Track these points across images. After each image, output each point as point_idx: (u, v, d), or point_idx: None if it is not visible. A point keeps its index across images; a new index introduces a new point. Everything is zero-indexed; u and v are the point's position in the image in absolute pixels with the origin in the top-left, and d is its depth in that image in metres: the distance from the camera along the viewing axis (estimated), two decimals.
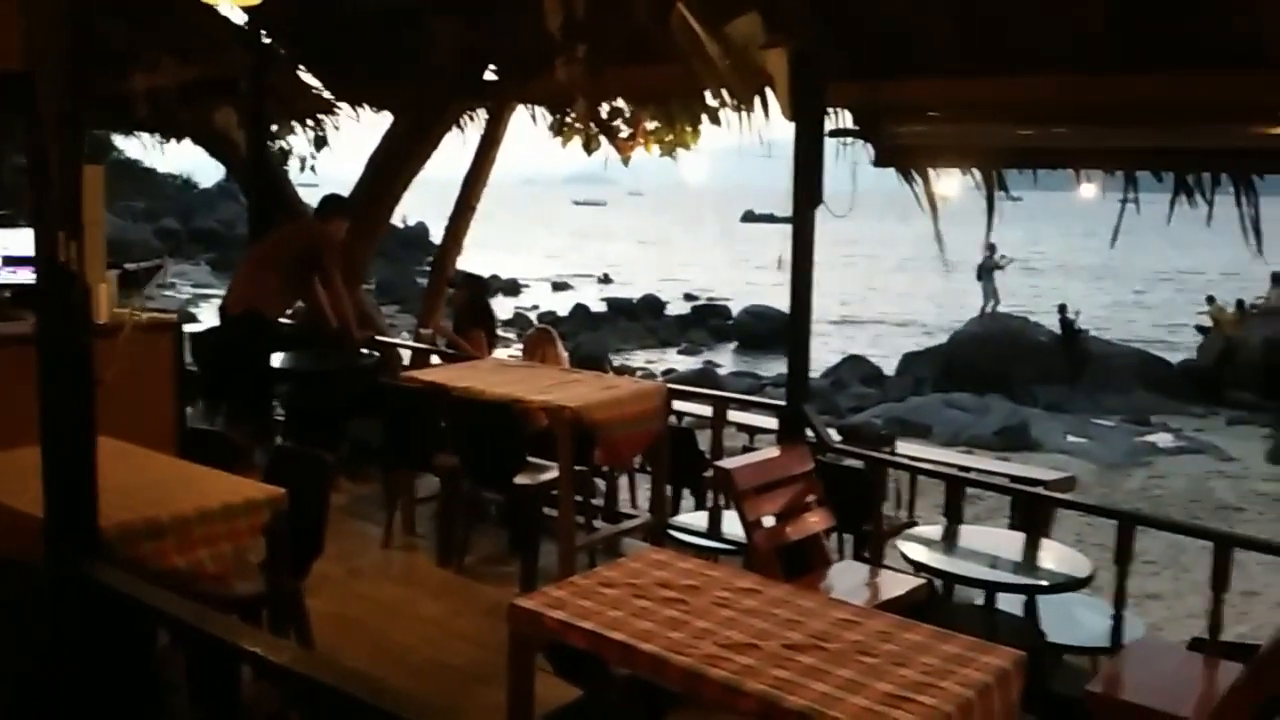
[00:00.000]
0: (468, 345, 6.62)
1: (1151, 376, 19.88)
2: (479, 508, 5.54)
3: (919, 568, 4.09)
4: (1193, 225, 4.97)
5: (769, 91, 5.36)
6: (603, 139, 7.92)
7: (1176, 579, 8.93)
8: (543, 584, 4.97)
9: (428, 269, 11.25)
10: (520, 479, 5.02)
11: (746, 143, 6.48)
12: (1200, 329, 21.50)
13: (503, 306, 27.81)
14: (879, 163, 5.16)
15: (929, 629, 2.97)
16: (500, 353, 7.80)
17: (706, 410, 6.11)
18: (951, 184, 5.36)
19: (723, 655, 2.77)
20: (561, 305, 30.47)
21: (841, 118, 5.12)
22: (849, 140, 5.06)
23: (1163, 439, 16.19)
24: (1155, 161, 4.53)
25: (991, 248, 21.37)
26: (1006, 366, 19.34)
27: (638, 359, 24.25)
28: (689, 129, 7.68)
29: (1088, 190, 5.44)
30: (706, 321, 28.33)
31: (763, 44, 4.98)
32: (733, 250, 46.83)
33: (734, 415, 6.31)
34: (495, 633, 3.58)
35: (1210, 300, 21.07)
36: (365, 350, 7.17)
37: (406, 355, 7.42)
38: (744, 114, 6.11)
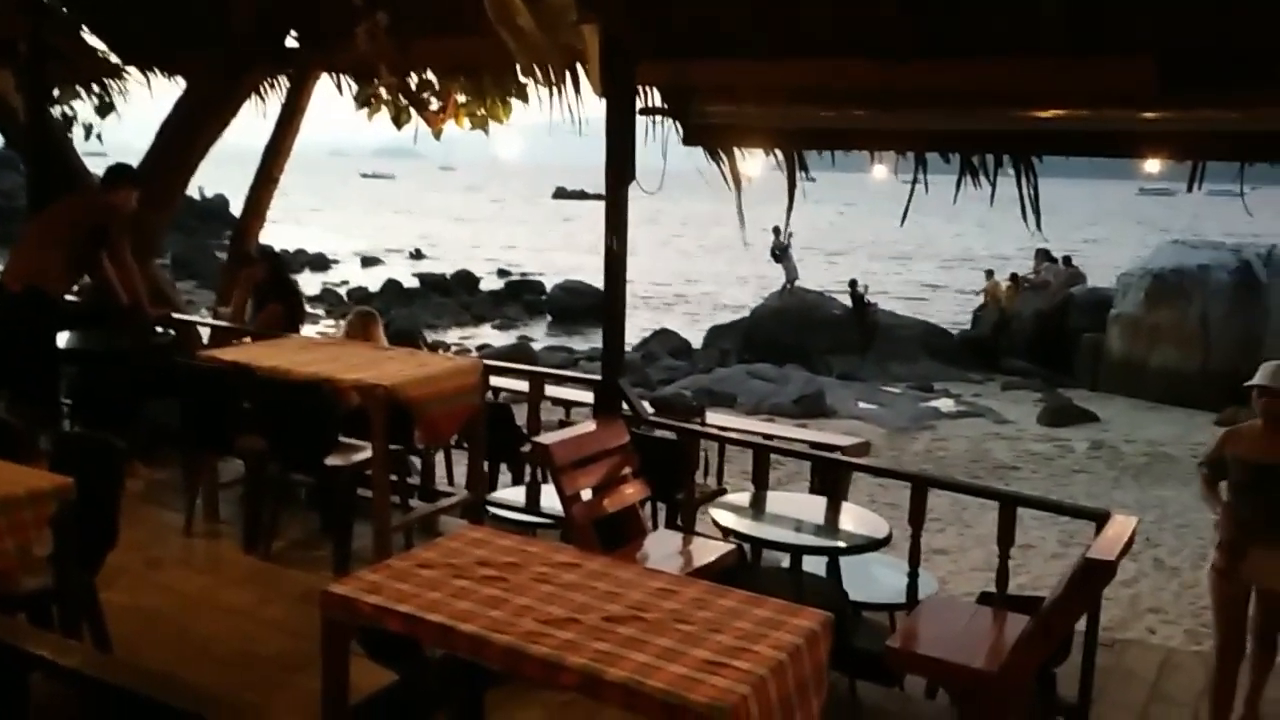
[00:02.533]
0: (263, 323, 6.34)
1: (935, 346, 21.12)
2: (287, 490, 5.35)
3: (729, 533, 4.22)
4: (982, 206, 5.29)
5: (580, 68, 5.37)
6: (413, 112, 7.76)
7: (961, 535, 9.53)
8: (357, 567, 4.87)
9: (227, 243, 10.76)
10: (332, 460, 4.89)
11: (559, 119, 6.48)
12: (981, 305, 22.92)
13: (311, 282, 26.88)
14: (687, 141, 5.25)
15: (741, 594, 3.07)
16: (309, 330, 7.52)
17: (523, 385, 6.11)
18: (756, 164, 5.52)
19: (543, 631, 2.78)
20: (372, 281, 29.70)
21: (652, 96, 5.17)
22: (659, 119, 5.12)
23: (945, 404, 17.20)
24: (943, 144, 4.78)
25: (776, 230, 22.16)
26: (804, 339, 20.16)
27: (452, 335, 23.96)
28: (500, 103, 7.61)
29: (880, 171, 5.70)
30: (520, 297, 28.25)
31: (574, 20, 4.98)
32: (545, 226, 46.70)
33: (550, 390, 6.33)
34: (308, 619, 3.48)
35: (988, 274, 22.44)
36: (160, 329, 6.79)
37: (206, 333, 7.09)
38: (555, 90, 6.11)
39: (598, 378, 5.14)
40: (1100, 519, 3.83)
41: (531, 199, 47.58)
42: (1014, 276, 22.46)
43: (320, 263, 33.84)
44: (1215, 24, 3.75)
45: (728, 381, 17.18)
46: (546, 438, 4.30)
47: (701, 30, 4.82)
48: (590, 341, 23.62)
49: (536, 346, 21.96)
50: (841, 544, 4.19)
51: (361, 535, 4.95)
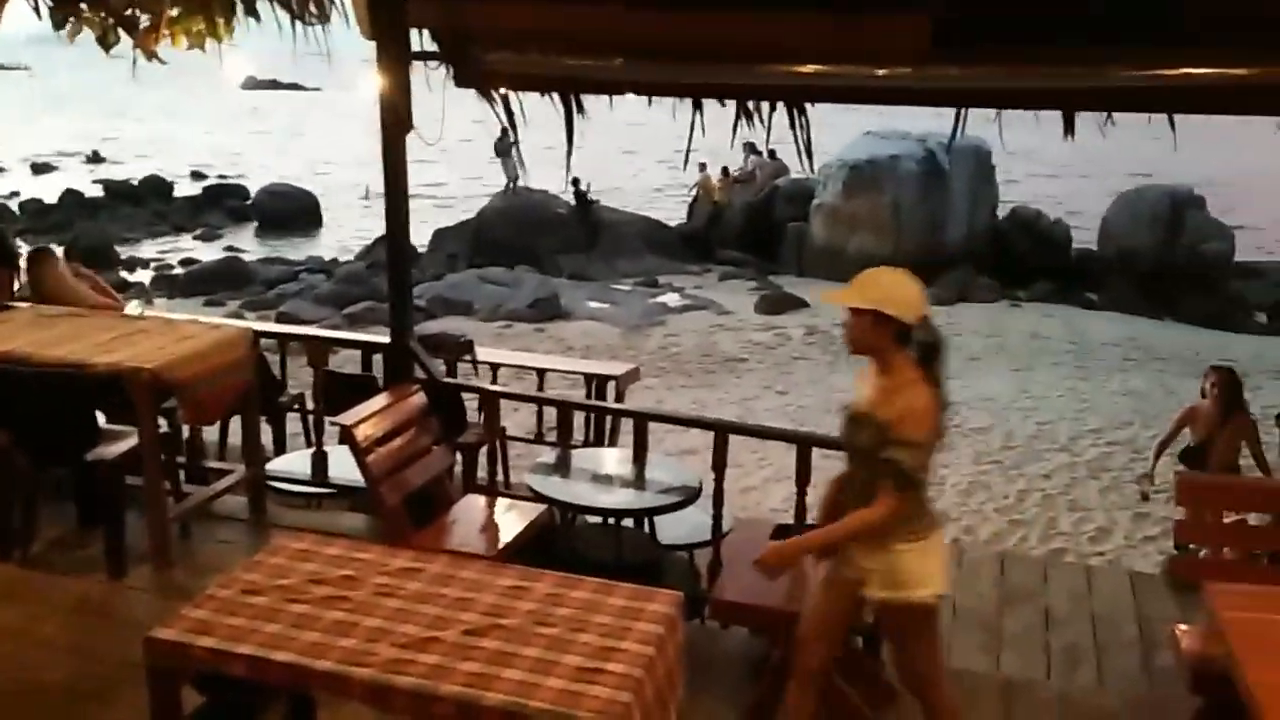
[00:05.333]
0: None
1: (656, 241, 21.74)
2: (36, 485, 4.81)
3: (550, 501, 4.23)
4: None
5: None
6: (121, 32, 6.93)
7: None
8: (133, 565, 4.51)
9: None
10: (92, 453, 4.44)
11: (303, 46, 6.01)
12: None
13: None
14: (459, 83, 5.02)
15: (592, 583, 3.08)
16: None
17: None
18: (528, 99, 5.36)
19: (405, 657, 2.69)
20: (47, 190, 26.64)
21: (422, 40, 4.88)
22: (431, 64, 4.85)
23: (671, 299, 17.81)
24: (720, 93, 4.84)
25: (504, 131, 21.79)
26: (532, 239, 20.16)
27: (148, 249, 22.06)
28: (222, 21, 6.93)
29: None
30: (222, 203, 26.28)
31: None
32: (236, 122, 43.33)
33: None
34: (92, 635, 3.21)
35: (701, 168, 23.09)
36: None
37: None
38: (302, 22, 5.65)
39: (384, 339, 4.91)
40: None
41: (217, 90, 43.85)
42: (724, 170, 23.25)
43: None
44: None
45: (461, 288, 16.95)
46: (345, 417, 4.09)
47: None
48: (304, 249, 22.42)
49: (248, 259, 20.63)
50: (661, 502, 4.28)
51: (131, 527, 4.55)
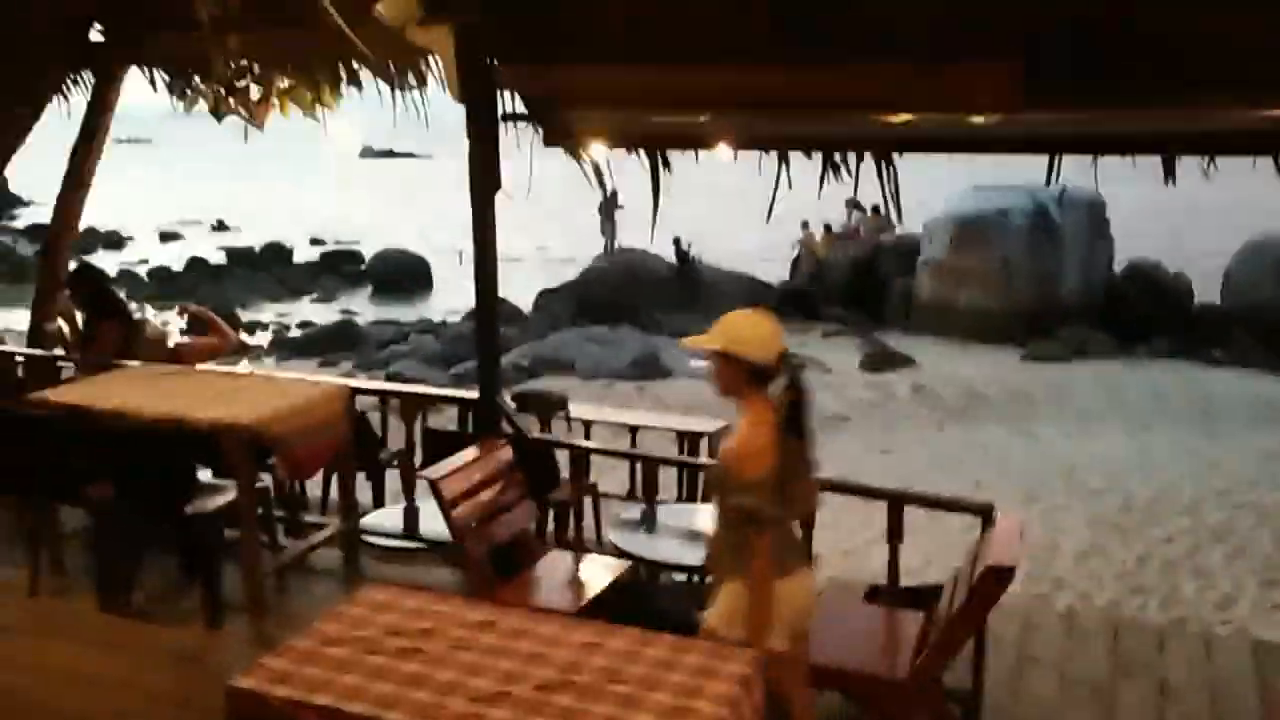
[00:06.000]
0: (102, 345, 5.86)
1: (757, 298, 21.59)
2: (141, 538, 4.97)
3: (630, 557, 4.19)
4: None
5: (433, 65, 5.15)
6: (233, 102, 7.28)
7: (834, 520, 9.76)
8: (232, 617, 4.61)
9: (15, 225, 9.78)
10: (192, 505, 4.57)
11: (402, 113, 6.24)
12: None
13: (107, 262, 25.10)
14: (548, 142, 5.11)
15: (668, 640, 3.03)
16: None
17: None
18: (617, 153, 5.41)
19: (475, 712, 2.68)
20: (174, 258, 27.98)
21: (512, 101, 4.99)
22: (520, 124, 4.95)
23: None
24: (805, 144, 4.82)
25: (614, 193, 22.19)
26: (633, 298, 20.29)
27: (268, 313, 22.90)
28: (330, 88, 7.23)
29: (725, 153, 5.70)
30: (338, 268, 27.20)
31: (421, 20, 4.74)
32: (354, 191, 44.98)
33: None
34: (190, 685, 3.26)
35: (804, 226, 23.04)
36: None
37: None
38: (399, 87, 5.86)
39: (473, 395, 4.97)
40: (985, 513, 3.97)
41: (335, 161, 45.78)
42: (827, 227, 23.14)
43: (114, 240, 31.66)
44: (1071, 33, 3.86)
45: (564, 348, 17.13)
46: (432, 471, 4.14)
47: (562, 32, 4.67)
48: (416, 311, 23.01)
49: (361, 321, 21.25)
50: None
51: (230, 578, 4.66)
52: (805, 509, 3.54)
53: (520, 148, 4.82)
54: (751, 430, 3.11)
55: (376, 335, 19.23)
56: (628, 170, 5.45)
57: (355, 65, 6.59)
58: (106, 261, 26.28)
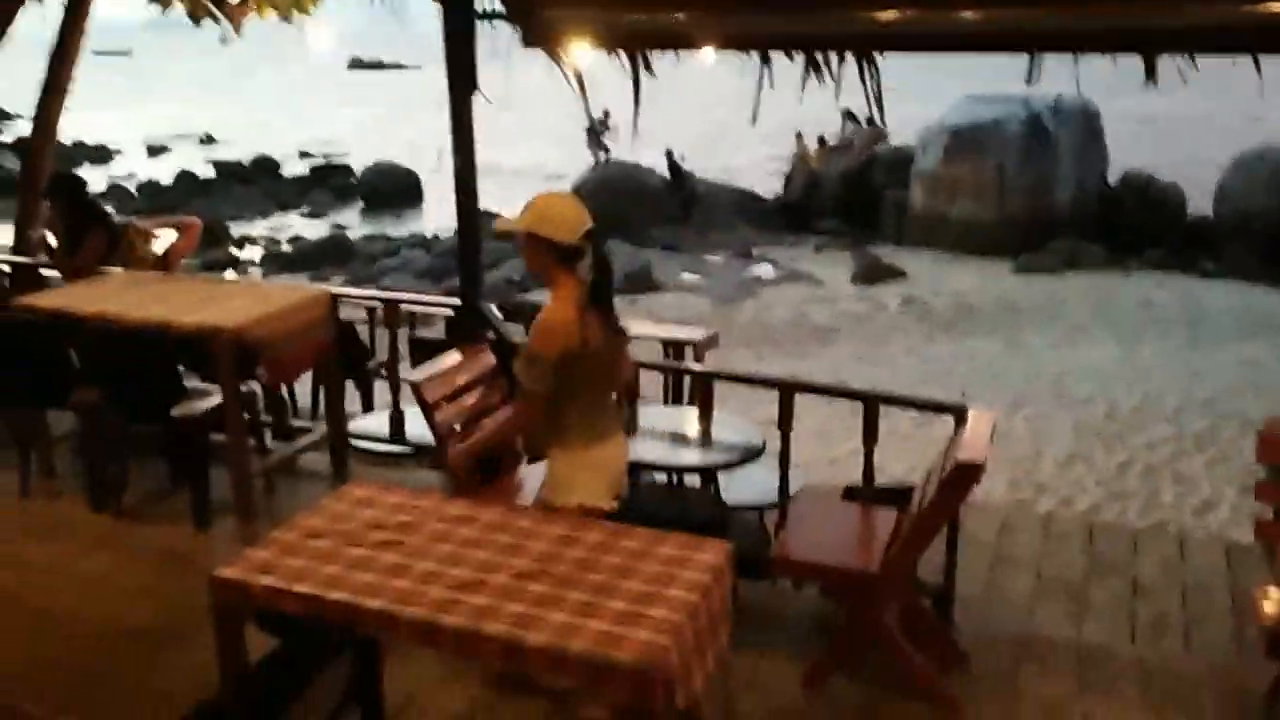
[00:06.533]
0: (86, 257, 5.85)
1: (751, 212, 21.49)
2: (129, 441, 5.04)
3: None
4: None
5: None
6: (209, 3, 7.17)
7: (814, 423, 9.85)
8: (219, 518, 4.69)
9: None
10: (179, 408, 4.62)
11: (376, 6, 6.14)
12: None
13: (95, 177, 24.85)
14: (527, 43, 5.02)
15: (643, 533, 3.09)
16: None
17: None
18: (591, 55, 5.33)
19: (453, 598, 2.75)
20: (162, 172, 27.69)
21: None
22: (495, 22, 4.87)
23: (765, 270, 17.62)
24: (786, 44, 4.75)
25: (606, 113, 21.95)
26: (625, 211, 20.10)
27: (259, 226, 22.73)
28: None
29: (706, 56, 5.61)
30: (328, 181, 26.89)
31: None
32: (344, 103, 44.30)
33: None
34: (177, 583, 3.34)
35: (798, 138, 22.73)
36: None
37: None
38: None
39: (455, 301, 4.98)
40: (958, 413, 4.02)
41: (325, 72, 44.96)
42: (821, 139, 22.88)
43: (102, 155, 31.27)
44: None
45: None
46: (415, 374, 4.17)
47: None
48: (408, 226, 22.85)
49: (352, 235, 21.11)
50: (720, 460, 4.26)
51: (218, 481, 4.73)
52: (620, 382, 3.69)
53: (500, 54, 4.76)
54: (557, 307, 3.26)
55: (367, 250, 19.14)
56: (612, 82, 5.38)
57: None
58: (94, 176, 26.02)
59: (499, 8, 4.78)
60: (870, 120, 21.49)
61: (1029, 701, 3.70)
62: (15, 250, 6.94)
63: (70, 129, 28.92)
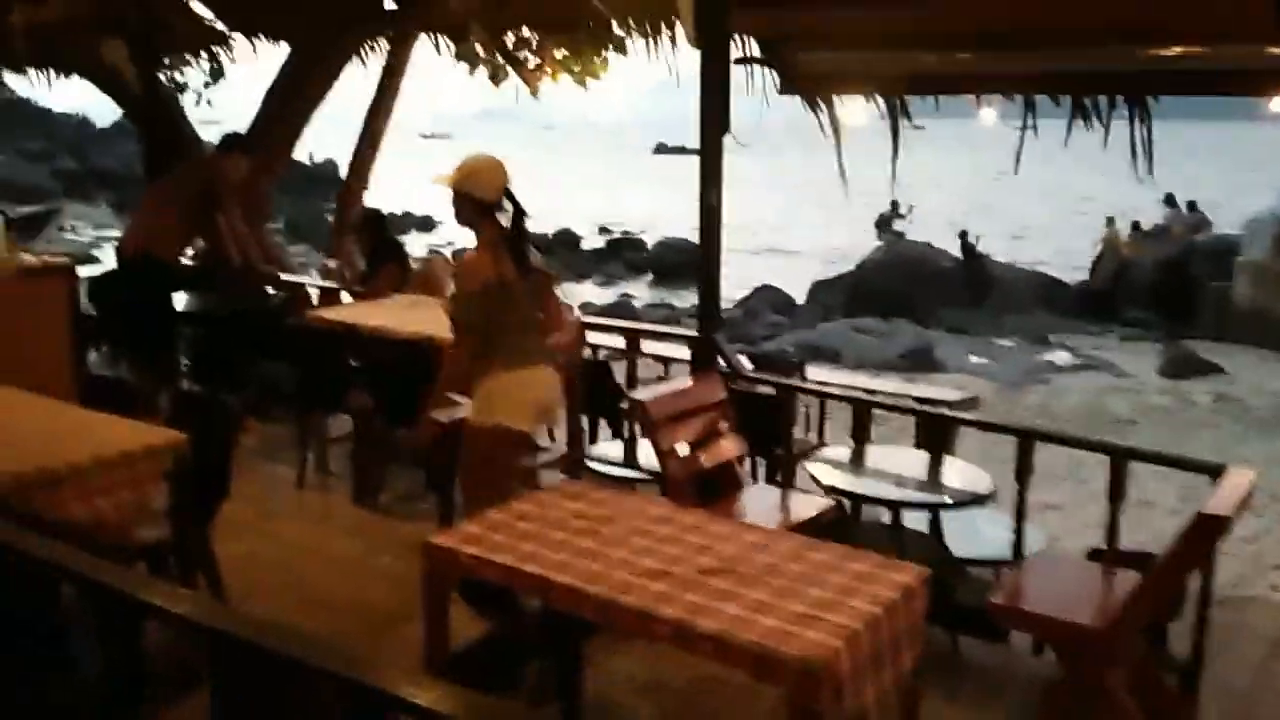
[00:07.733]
0: (380, 283, 6.49)
1: (1050, 297, 20.44)
2: (393, 445, 5.49)
3: (827, 489, 4.18)
4: (1094, 150, 5.06)
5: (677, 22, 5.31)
6: (510, 69, 7.81)
7: (1075, 490, 9.25)
8: (461, 520, 5.00)
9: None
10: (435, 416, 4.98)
11: (661, 77, 6.46)
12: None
13: (418, 243, 27.35)
14: (784, 90, 5.15)
15: (838, 548, 3.04)
16: None
17: (620, 341, 6.13)
18: (856, 111, 5.38)
19: (637, 582, 2.81)
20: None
21: (748, 45, 5.07)
22: (754, 68, 5.03)
23: (1060, 357, 16.65)
24: (1051, 86, 4.60)
25: (894, 205, 21.78)
26: (911, 291, 19.67)
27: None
28: (596, 58, 7.60)
29: (988, 116, 5.50)
30: (622, 255, 28.22)
31: None
32: (647, 183, 46.47)
33: (649, 346, 6.31)
34: (414, 569, 3.56)
35: (1110, 222, 21.60)
36: (271, 290, 7.00)
37: (315, 294, 7.27)
38: (650, 42, 6.07)
39: (694, 333, 5.11)
40: (1216, 473, 3.67)
41: (632, 156, 47.42)
42: (1135, 224, 21.58)
43: (426, 224, 34.35)
44: None
45: (831, 337, 16.93)
46: (642, 393, 4.31)
47: None
48: (693, 298, 23.49)
49: (638, 303, 21.93)
50: (944, 499, 4.10)
51: None
52: (547, 325, 4.09)
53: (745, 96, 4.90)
54: (477, 253, 3.87)
55: (648, 316, 19.79)
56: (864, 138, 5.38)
57: (618, 32, 6.89)
58: (417, 241, 28.65)
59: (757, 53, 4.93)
60: (1191, 205, 20.09)
61: None
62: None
63: (401, 201, 32.07)
